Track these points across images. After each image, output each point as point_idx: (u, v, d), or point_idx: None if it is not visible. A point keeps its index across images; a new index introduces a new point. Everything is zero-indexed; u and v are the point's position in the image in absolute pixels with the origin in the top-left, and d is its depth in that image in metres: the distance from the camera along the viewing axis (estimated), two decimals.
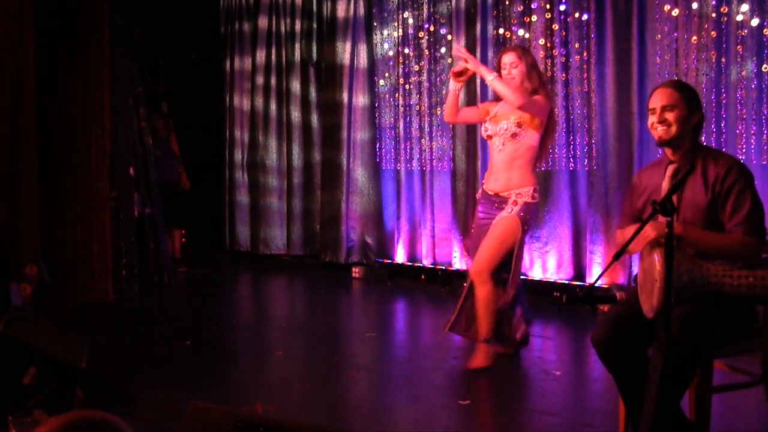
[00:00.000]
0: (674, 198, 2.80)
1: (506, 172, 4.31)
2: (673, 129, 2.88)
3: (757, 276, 2.68)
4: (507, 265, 4.37)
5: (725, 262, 2.74)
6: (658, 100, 2.94)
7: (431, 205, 7.09)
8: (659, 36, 5.54)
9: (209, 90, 8.80)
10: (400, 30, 7.26)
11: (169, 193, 7.78)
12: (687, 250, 2.76)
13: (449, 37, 6.84)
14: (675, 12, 5.43)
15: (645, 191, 3.06)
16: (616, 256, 2.51)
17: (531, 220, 4.39)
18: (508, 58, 4.29)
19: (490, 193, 4.38)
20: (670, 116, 2.89)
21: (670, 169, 2.94)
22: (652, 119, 2.95)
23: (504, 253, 4.31)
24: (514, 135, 4.27)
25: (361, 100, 7.61)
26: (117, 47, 6.44)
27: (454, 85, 4.43)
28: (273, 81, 8.33)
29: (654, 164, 3.10)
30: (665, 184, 2.93)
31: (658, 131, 2.91)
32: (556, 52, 6.03)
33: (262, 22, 8.35)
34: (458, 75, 4.38)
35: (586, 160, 5.99)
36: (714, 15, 5.25)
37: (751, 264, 2.72)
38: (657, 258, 2.62)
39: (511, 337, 4.41)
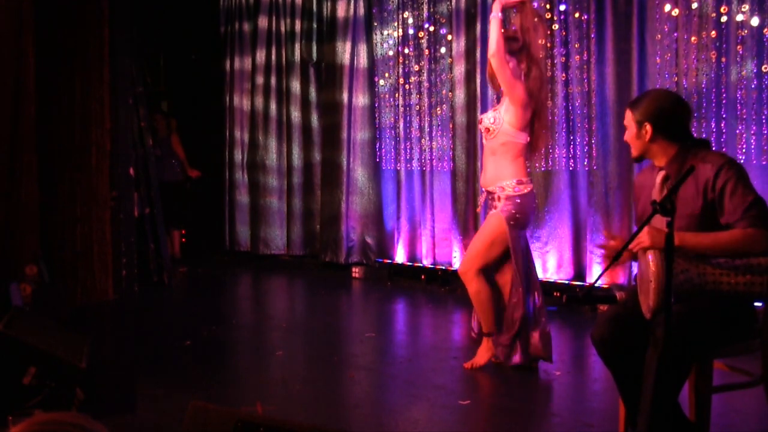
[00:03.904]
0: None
1: (490, 165, 4.30)
2: (632, 149, 2.99)
3: (755, 274, 2.68)
4: (502, 264, 4.34)
5: (730, 259, 2.71)
6: None
7: (431, 205, 7.09)
8: (659, 36, 5.54)
9: (209, 90, 8.80)
10: (400, 30, 7.26)
11: (169, 193, 7.79)
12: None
13: (449, 37, 6.84)
14: (675, 12, 5.43)
15: (640, 196, 3.07)
16: (616, 257, 2.51)
17: (520, 214, 4.19)
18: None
19: (483, 189, 4.41)
20: (626, 137, 3.01)
21: (660, 175, 2.93)
22: None
23: (490, 251, 4.27)
24: (487, 129, 4.29)
25: (361, 100, 7.61)
26: (117, 47, 6.44)
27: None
28: (273, 81, 8.33)
29: (649, 167, 3.09)
30: (656, 191, 2.92)
31: None
32: (556, 52, 6.03)
33: (262, 22, 8.36)
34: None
35: (586, 160, 5.99)
36: (714, 15, 5.25)
37: (755, 258, 2.71)
38: (651, 258, 2.62)
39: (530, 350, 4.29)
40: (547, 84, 4.33)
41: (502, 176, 4.22)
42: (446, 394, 4.01)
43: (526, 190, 4.21)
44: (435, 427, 3.58)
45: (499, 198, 4.24)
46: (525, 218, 4.26)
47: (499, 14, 4.16)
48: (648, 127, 2.89)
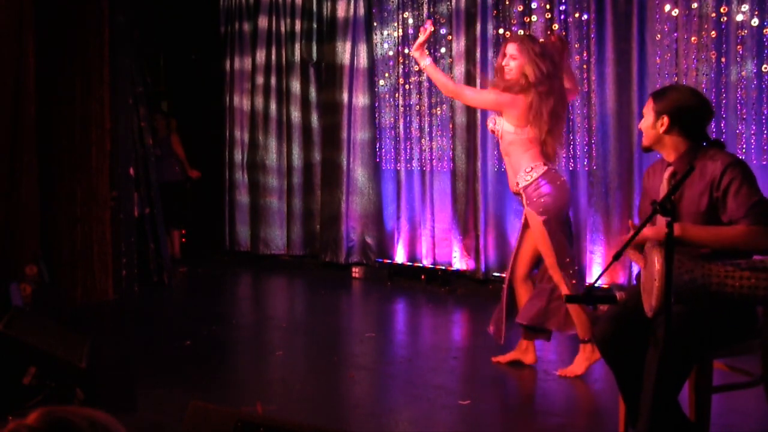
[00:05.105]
0: (674, 200, 2.79)
1: (508, 167, 4.29)
2: (644, 138, 3.00)
3: (760, 277, 2.67)
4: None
5: (734, 259, 2.71)
6: None
7: (431, 205, 7.09)
8: (659, 36, 5.54)
9: (209, 90, 8.80)
10: (400, 30, 7.25)
11: (169, 193, 7.78)
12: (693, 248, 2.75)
13: (449, 37, 6.84)
14: (675, 12, 5.43)
15: (648, 192, 3.07)
16: (616, 256, 2.52)
17: (545, 198, 4.08)
18: (509, 49, 4.18)
19: (512, 190, 4.36)
20: (641, 124, 3.02)
21: (668, 171, 2.95)
22: None
23: (536, 250, 4.26)
24: (492, 131, 4.28)
25: (361, 100, 7.60)
26: (117, 47, 6.44)
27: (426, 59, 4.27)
28: (273, 81, 8.33)
29: (658, 163, 3.10)
30: (663, 187, 2.93)
31: None
32: None
33: (262, 22, 8.35)
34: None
35: (586, 160, 5.99)
36: (714, 15, 5.25)
37: (760, 255, 2.71)
38: (656, 257, 2.62)
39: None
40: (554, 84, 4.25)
41: (517, 172, 4.20)
42: (446, 394, 4.01)
43: (541, 171, 4.12)
44: (435, 427, 3.59)
45: (520, 194, 4.20)
46: (556, 202, 4.10)
47: (423, 62, 4.24)
48: (665, 119, 2.91)
